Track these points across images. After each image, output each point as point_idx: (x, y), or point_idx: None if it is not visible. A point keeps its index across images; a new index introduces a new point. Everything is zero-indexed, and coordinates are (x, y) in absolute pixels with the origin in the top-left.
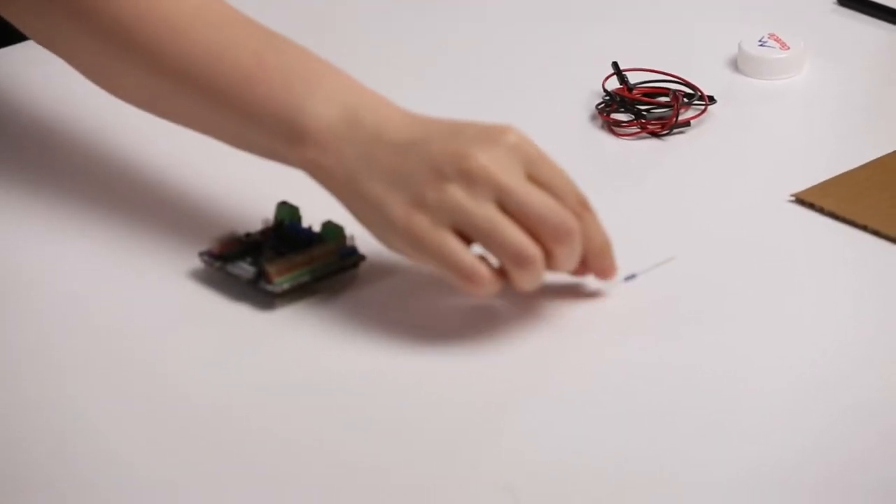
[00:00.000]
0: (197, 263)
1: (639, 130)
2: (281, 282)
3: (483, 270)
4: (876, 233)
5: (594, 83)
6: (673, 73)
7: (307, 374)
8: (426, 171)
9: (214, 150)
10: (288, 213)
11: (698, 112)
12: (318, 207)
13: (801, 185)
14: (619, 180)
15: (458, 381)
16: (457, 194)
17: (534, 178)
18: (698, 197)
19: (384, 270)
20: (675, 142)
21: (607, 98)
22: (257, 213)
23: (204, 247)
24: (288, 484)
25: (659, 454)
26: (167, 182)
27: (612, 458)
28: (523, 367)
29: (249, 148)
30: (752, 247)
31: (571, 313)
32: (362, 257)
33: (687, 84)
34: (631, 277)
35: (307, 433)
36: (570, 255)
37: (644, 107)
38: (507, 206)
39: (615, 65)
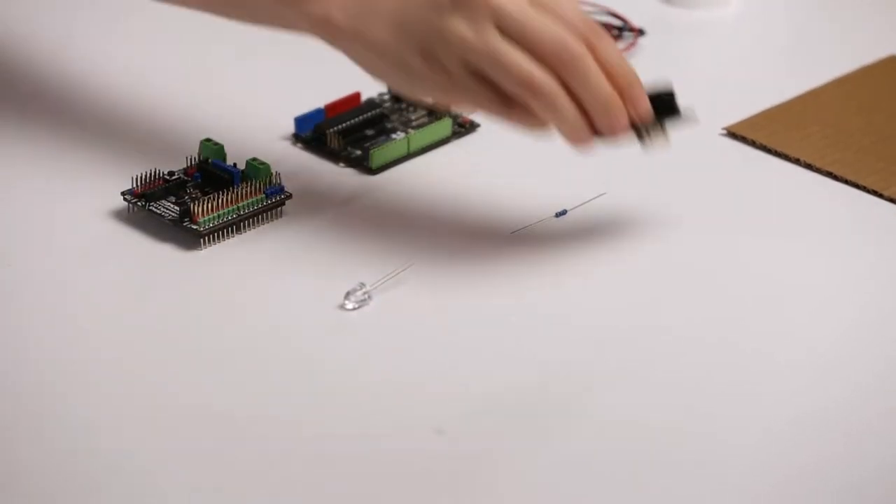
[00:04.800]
0: (120, 203)
1: None
2: (206, 221)
3: (540, 74)
4: (808, 166)
5: None
6: (601, 4)
7: (232, 314)
8: (426, 9)
9: (137, 88)
10: (212, 151)
11: (628, 44)
12: (244, 145)
13: (733, 118)
14: None
15: (385, 320)
16: (459, 26)
17: (537, 3)
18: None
19: (310, 208)
20: None
21: None
22: (181, 151)
23: (126, 186)
24: (211, 421)
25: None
26: (88, 120)
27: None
28: (455, 307)
29: (253, 14)
30: (684, 181)
31: (506, 249)
32: (289, 195)
33: (616, 16)
34: (562, 213)
35: (231, 372)
36: (585, 85)
37: None
38: (508, 30)
39: None
